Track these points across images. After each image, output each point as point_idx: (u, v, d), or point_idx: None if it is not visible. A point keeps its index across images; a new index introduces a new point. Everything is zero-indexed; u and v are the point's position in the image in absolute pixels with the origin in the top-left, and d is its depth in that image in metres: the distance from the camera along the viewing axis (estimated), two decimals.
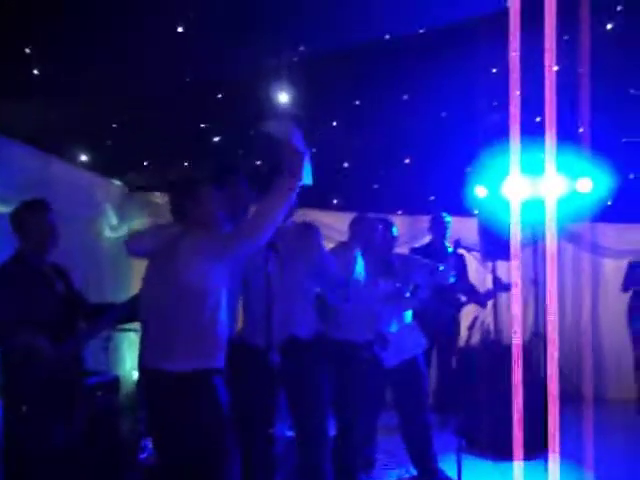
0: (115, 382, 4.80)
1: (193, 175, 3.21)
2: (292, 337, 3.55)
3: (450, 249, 5.93)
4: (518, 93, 4.00)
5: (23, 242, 3.47)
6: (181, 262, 2.93)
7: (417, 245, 6.88)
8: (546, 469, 4.92)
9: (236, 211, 3.52)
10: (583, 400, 6.85)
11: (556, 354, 5.46)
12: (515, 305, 5.85)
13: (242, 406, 3.30)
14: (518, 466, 4.96)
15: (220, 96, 4.30)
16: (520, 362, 5.20)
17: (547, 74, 2.53)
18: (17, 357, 3.25)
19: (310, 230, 3.67)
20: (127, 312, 3.63)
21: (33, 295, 3.37)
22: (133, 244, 3.19)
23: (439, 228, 6.41)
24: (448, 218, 6.44)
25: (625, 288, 7.23)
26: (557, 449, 4.75)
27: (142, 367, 3.12)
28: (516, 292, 5.83)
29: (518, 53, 2.65)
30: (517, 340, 5.40)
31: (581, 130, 4.87)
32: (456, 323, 6.53)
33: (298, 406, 3.66)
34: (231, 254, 3.07)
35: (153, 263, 3.09)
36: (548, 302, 6.06)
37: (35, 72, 3.28)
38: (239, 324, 3.73)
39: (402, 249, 6.80)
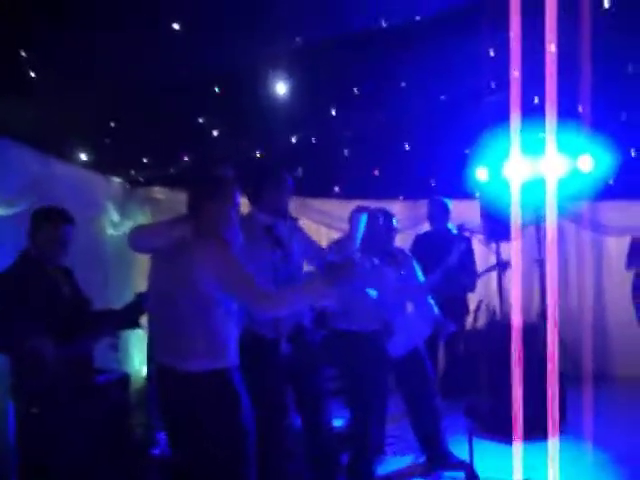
0: (125, 379, 4.81)
1: (219, 174, 3.15)
2: (298, 325, 3.60)
3: (454, 232, 5.88)
4: (517, 74, 3.99)
5: (34, 247, 3.45)
6: (195, 271, 2.87)
7: (421, 232, 6.86)
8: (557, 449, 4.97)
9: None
10: (591, 379, 6.86)
11: (556, 334, 5.47)
12: (515, 287, 5.86)
13: (254, 396, 3.32)
14: (518, 447, 5.00)
15: (217, 90, 4.27)
16: (519, 344, 5.23)
17: (547, 53, 2.51)
18: (25, 362, 3.25)
19: (297, 222, 3.90)
20: (127, 318, 3.64)
21: (41, 297, 3.36)
22: (137, 239, 3.11)
23: (438, 212, 6.35)
24: (447, 201, 6.39)
25: (628, 266, 7.22)
26: (556, 431, 4.79)
27: (156, 364, 3.11)
28: (515, 274, 5.85)
29: (519, 33, 2.63)
30: (517, 322, 5.42)
31: (580, 109, 4.84)
32: (463, 306, 6.51)
33: (306, 393, 3.70)
34: (232, 292, 2.95)
35: (161, 260, 3.03)
36: (548, 282, 6.07)
37: (32, 74, 3.26)
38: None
39: (405, 235, 6.81)
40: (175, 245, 2.94)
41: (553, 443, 4.89)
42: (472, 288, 6.27)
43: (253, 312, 3.06)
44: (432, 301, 4.95)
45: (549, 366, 5.02)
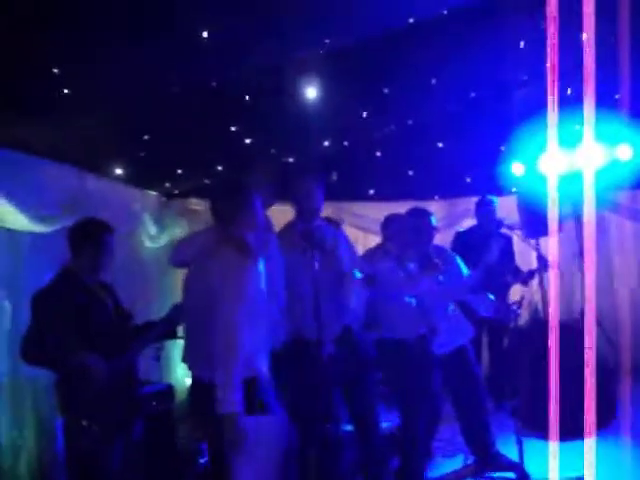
0: (169, 390, 4.85)
1: (239, 180, 3.18)
2: (346, 327, 3.59)
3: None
4: (549, 65, 3.90)
5: (77, 260, 3.47)
6: (214, 282, 2.89)
7: (461, 229, 6.81)
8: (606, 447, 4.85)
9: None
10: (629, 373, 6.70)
11: (593, 331, 5.33)
12: (552, 285, 5.76)
13: (299, 401, 3.31)
14: (555, 446, 4.89)
15: (248, 97, 4.27)
16: (557, 343, 5.11)
17: (586, 40, 2.44)
18: (73, 377, 3.27)
19: (336, 225, 3.98)
20: (165, 329, 3.65)
21: (86, 312, 3.38)
22: (173, 253, 3.24)
23: (486, 211, 6.30)
24: (495, 200, 6.34)
25: None
26: (593, 431, 4.65)
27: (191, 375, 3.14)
28: (553, 273, 5.74)
29: (557, 22, 2.56)
30: (553, 321, 5.30)
31: (617, 96, 4.74)
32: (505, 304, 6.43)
33: (356, 398, 3.68)
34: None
35: (191, 272, 3.08)
36: (587, 278, 5.93)
37: (65, 91, 3.29)
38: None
39: (443, 234, 6.74)
40: (202, 255, 2.97)
41: (589, 443, 4.77)
42: (524, 283, 6.33)
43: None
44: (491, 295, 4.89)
45: (585, 365, 4.90)
